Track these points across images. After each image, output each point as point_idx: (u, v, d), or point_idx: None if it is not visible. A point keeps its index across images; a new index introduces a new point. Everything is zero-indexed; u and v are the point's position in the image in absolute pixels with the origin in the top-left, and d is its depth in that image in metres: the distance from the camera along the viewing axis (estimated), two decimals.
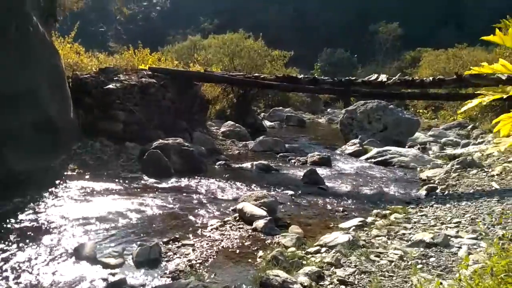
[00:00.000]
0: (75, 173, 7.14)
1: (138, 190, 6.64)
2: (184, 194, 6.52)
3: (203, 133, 11.48)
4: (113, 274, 3.75)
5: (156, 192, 6.53)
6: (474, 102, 1.58)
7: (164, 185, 7.02)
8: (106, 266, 3.90)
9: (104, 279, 3.66)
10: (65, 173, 7.11)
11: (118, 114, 9.35)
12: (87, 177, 6.99)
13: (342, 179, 8.42)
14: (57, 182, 6.53)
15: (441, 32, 47.29)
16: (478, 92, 1.55)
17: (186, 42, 29.54)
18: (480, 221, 4.89)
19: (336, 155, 11.30)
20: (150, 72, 10.88)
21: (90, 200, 5.92)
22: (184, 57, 21.96)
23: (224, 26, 37.86)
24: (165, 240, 4.58)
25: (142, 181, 7.14)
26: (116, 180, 7.01)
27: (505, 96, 1.53)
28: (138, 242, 4.39)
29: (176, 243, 4.52)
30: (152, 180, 7.21)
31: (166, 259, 4.12)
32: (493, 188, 6.70)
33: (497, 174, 7.48)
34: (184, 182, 7.27)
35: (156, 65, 12.33)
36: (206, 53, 20.59)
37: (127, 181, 7.01)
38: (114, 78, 9.99)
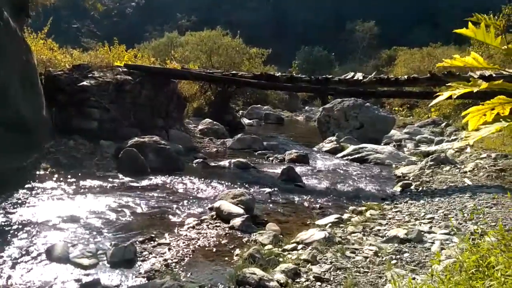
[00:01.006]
0: (48, 173, 6.97)
1: (113, 189, 6.53)
2: (161, 193, 6.45)
3: (180, 131, 11.39)
4: (87, 275, 3.68)
5: (132, 191, 6.44)
6: (445, 95, 1.60)
7: (140, 183, 6.93)
8: (79, 266, 3.82)
9: (77, 280, 3.58)
10: (38, 172, 6.93)
11: (93, 111, 9.19)
12: (60, 176, 6.83)
13: (319, 176, 8.48)
14: (29, 182, 6.36)
15: (416, 31, 48.13)
16: (449, 84, 1.57)
17: (163, 39, 29.24)
18: (453, 217, 5.00)
19: (313, 152, 11.38)
20: (125, 69, 10.71)
21: (63, 200, 5.79)
22: (161, 54, 21.74)
23: (201, 23, 37.59)
24: (140, 239, 4.52)
25: (118, 180, 7.03)
26: (91, 179, 6.88)
27: (475, 90, 1.54)
28: (113, 242, 4.31)
29: (152, 242, 4.46)
30: (128, 178, 7.11)
31: (141, 259, 4.06)
32: (466, 184, 6.86)
33: (469, 171, 7.67)
34: (160, 180, 7.19)
35: (132, 62, 12.15)
36: (183, 50, 20.41)
37: (102, 180, 6.89)
38: (89, 75, 9.80)
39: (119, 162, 7.67)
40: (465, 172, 7.64)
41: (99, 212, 5.34)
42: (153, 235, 4.63)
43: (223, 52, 18.96)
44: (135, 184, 6.86)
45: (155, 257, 4.11)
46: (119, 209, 5.54)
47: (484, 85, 1.53)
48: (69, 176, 6.84)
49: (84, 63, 10.52)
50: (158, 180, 7.20)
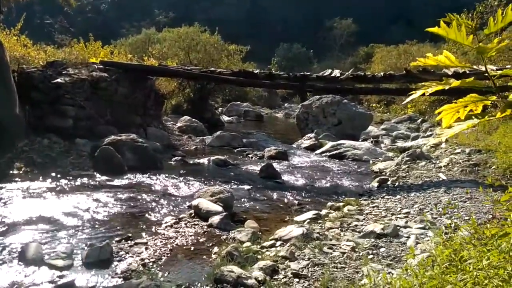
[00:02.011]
0: (21, 172, 6.79)
1: (89, 188, 6.41)
2: (138, 192, 6.37)
3: (158, 129, 11.27)
4: (61, 277, 3.61)
5: (109, 190, 6.33)
6: (418, 93, 1.61)
7: (117, 182, 6.82)
8: (53, 268, 3.74)
9: (51, 282, 3.50)
10: (11, 172, 6.75)
11: (68, 109, 8.99)
12: (34, 176, 6.67)
13: (298, 172, 8.52)
14: (2, 182, 6.18)
15: (392, 28, 48.85)
16: (422, 83, 1.59)
17: (140, 35, 28.81)
18: (428, 211, 5.09)
19: (292, 149, 11.43)
20: (101, 66, 10.52)
21: (38, 200, 5.65)
22: (138, 51, 21.42)
23: (179, 19, 37.21)
24: (117, 239, 4.45)
25: (94, 179, 6.90)
26: (66, 178, 6.74)
27: (447, 87, 1.56)
28: (88, 242, 4.23)
29: (129, 242, 4.40)
30: (104, 177, 6.99)
31: (117, 259, 4.00)
32: (441, 179, 7.00)
33: (444, 166, 7.82)
34: (138, 179, 7.10)
35: (108, 58, 11.94)
36: (161, 47, 20.16)
37: (77, 179, 6.75)
38: (63, 72, 9.59)
39: (95, 161, 7.53)
40: (440, 167, 7.79)
41: (74, 212, 5.24)
42: (130, 235, 4.56)
43: (202, 49, 18.82)
44: (111, 183, 6.75)
45: (132, 256, 4.05)
46: (95, 208, 5.45)
47: (455, 83, 1.55)
48: (43, 176, 6.68)
49: (58, 60, 10.28)
50: (135, 178, 7.10)
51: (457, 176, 7.05)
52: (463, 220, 4.47)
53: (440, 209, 5.03)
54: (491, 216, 4.26)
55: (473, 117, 1.51)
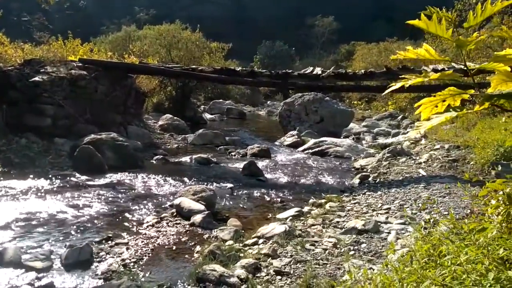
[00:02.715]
0: None
1: (69, 188, 6.30)
2: (119, 191, 6.29)
3: (139, 127, 11.14)
4: (40, 279, 3.54)
5: (89, 190, 6.24)
6: (398, 85, 1.61)
7: (97, 182, 6.72)
8: (32, 270, 3.67)
9: (30, 284, 3.44)
10: None
11: (46, 108, 8.82)
12: (12, 176, 6.53)
13: (280, 170, 8.53)
14: None
15: (373, 26, 49.28)
16: (402, 76, 1.59)
17: (120, 33, 28.38)
18: (408, 207, 5.15)
19: (275, 146, 11.43)
20: (80, 64, 10.34)
21: (16, 201, 5.53)
22: (119, 48, 21.11)
23: (160, 16, 36.85)
24: (97, 240, 4.38)
25: (73, 179, 6.79)
26: (45, 178, 6.61)
27: (426, 80, 1.57)
28: (68, 243, 4.16)
29: (109, 242, 4.34)
30: (84, 177, 6.87)
31: (98, 259, 3.94)
32: (421, 175, 7.10)
33: (424, 162, 7.93)
34: (118, 178, 7.00)
35: (88, 56, 11.74)
36: (141, 44, 19.90)
37: (56, 179, 6.63)
38: (41, 70, 9.39)
39: (75, 160, 7.41)
40: (420, 163, 7.90)
41: (53, 213, 5.14)
42: (110, 235, 4.50)
43: (183, 47, 18.65)
44: (91, 183, 6.65)
45: (113, 257, 3.99)
46: (75, 209, 5.35)
47: (434, 75, 1.56)
48: (21, 176, 6.54)
49: (36, 58, 10.05)
50: (116, 178, 7.01)
51: (436, 172, 7.15)
52: (442, 215, 4.54)
53: (420, 205, 5.09)
54: (469, 211, 4.33)
55: (451, 109, 1.52)
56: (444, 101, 1.51)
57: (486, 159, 6.74)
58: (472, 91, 1.43)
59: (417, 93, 13.01)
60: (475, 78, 1.58)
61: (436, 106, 1.53)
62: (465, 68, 1.47)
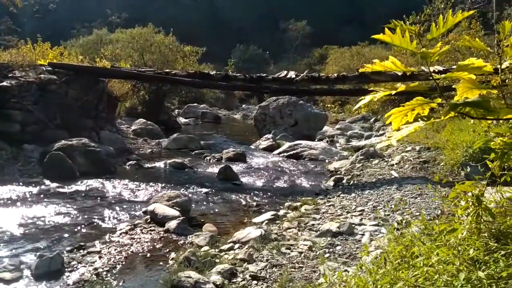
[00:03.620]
0: None
1: (39, 196, 6.13)
2: (91, 198, 6.15)
3: (112, 132, 10.95)
4: None
5: (59, 197, 6.08)
6: (367, 98, 1.65)
7: (68, 189, 6.56)
8: (0, 281, 3.54)
9: None
10: None
11: (14, 113, 8.58)
12: None
13: (256, 174, 8.54)
14: None
15: (346, 30, 49.99)
16: (371, 89, 1.63)
17: (91, 36, 27.92)
18: (381, 209, 5.24)
19: (251, 150, 11.44)
20: (50, 68, 10.09)
21: None
22: (90, 52, 20.75)
23: (133, 20, 36.36)
24: (68, 249, 4.28)
25: (43, 186, 6.61)
26: (13, 186, 6.42)
27: (393, 92, 1.61)
28: (38, 253, 4.05)
29: (81, 251, 4.24)
30: (55, 184, 6.70)
31: (69, 269, 3.84)
32: (393, 176, 7.24)
33: (396, 163, 8.09)
34: (90, 185, 6.85)
35: (58, 60, 11.48)
36: (113, 48, 19.60)
37: (26, 187, 6.44)
38: (9, 75, 9.14)
39: (45, 167, 7.22)
40: (392, 165, 8.05)
41: (23, 222, 4.99)
42: (82, 244, 4.40)
43: (156, 50, 18.46)
44: (62, 190, 6.49)
45: (85, 266, 3.90)
46: (45, 217, 5.21)
47: (400, 88, 1.60)
48: None
49: (4, 63, 9.77)
50: (87, 184, 6.86)
51: (408, 173, 7.30)
52: (414, 216, 4.64)
53: (393, 206, 5.19)
54: (440, 211, 4.44)
55: (419, 119, 1.56)
56: (413, 110, 1.55)
57: (455, 160, 6.93)
58: (439, 100, 1.47)
59: (389, 96, 13.26)
60: (442, 83, 1.63)
61: (406, 116, 1.56)
62: (431, 78, 1.51)
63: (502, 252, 1.77)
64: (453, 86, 1.57)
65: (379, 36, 1.50)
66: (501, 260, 1.71)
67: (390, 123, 1.54)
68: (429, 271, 1.96)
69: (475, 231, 2.03)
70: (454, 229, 2.14)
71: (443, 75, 1.55)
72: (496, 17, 15.60)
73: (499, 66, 1.56)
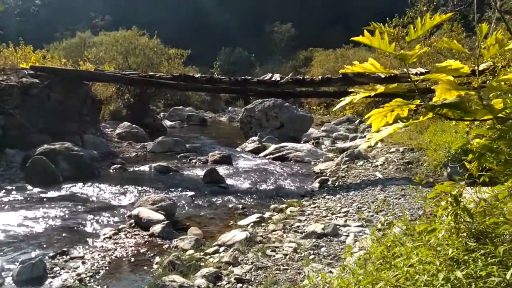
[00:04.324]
0: None
1: (21, 201, 6.03)
2: (74, 203, 6.07)
3: (96, 136, 10.83)
4: None
5: (42, 203, 5.99)
6: (347, 100, 1.66)
7: (51, 194, 6.47)
8: None
9: None
10: None
11: None
12: None
13: (242, 176, 8.53)
14: None
15: (331, 33, 50.34)
16: (351, 90, 1.64)
17: (75, 39, 27.59)
18: (365, 209, 5.28)
19: (237, 153, 11.42)
20: (32, 72, 9.96)
21: None
22: (73, 55, 20.52)
23: (117, 22, 36.10)
24: (51, 254, 4.21)
25: (26, 191, 6.50)
26: None
27: (373, 94, 1.63)
28: (20, 259, 3.99)
29: (64, 257, 4.18)
30: (37, 189, 6.60)
31: (52, 275, 3.78)
32: (377, 177, 7.30)
33: (380, 164, 8.17)
34: (74, 189, 6.77)
35: (40, 63, 11.35)
36: (97, 51, 19.42)
37: (7, 192, 6.34)
38: None
39: (27, 172, 7.10)
40: (377, 166, 8.12)
41: (4, 228, 4.90)
42: (65, 249, 4.34)
43: (140, 53, 18.34)
44: (45, 195, 6.39)
45: (68, 272, 3.85)
46: (27, 223, 5.12)
47: (380, 89, 1.61)
48: None
49: None
50: (71, 189, 6.77)
51: (392, 174, 7.37)
52: (398, 216, 4.69)
53: (377, 207, 5.23)
54: (422, 212, 4.50)
55: (399, 120, 1.58)
56: (392, 111, 1.57)
57: (438, 161, 7.02)
58: (418, 102, 1.49)
59: (373, 98, 13.40)
60: (423, 85, 1.65)
61: (386, 116, 1.58)
62: (410, 80, 1.53)
63: (481, 252, 1.80)
64: (431, 88, 1.60)
65: (359, 38, 1.51)
66: (479, 260, 1.73)
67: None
68: (410, 271, 1.99)
69: (454, 231, 2.06)
70: (434, 229, 2.17)
71: (421, 77, 1.57)
72: (477, 19, 15.88)
73: (476, 67, 1.59)
